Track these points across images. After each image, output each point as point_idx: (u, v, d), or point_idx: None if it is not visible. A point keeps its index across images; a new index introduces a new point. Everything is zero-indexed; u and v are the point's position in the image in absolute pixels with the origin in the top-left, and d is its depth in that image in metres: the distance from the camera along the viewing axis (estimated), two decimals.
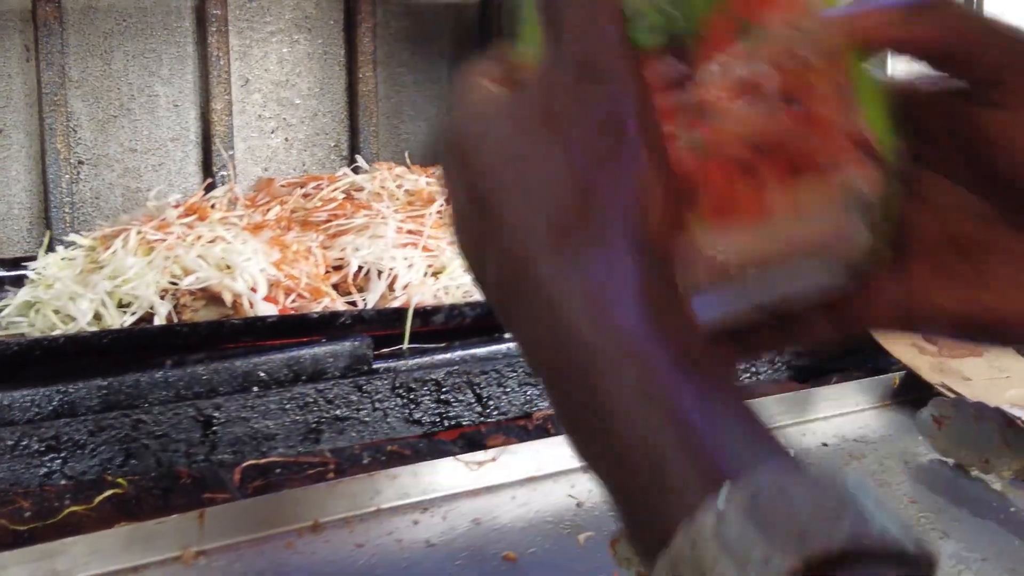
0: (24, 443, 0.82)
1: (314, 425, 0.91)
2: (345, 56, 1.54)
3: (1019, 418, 0.89)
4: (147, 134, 1.43)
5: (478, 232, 0.36)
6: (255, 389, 0.90)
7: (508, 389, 0.98)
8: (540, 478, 0.87)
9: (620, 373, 0.32)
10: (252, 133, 1.50)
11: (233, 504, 0.78)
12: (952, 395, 0.97)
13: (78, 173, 1.39)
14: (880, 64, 0.38)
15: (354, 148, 1.54)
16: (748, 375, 1.07)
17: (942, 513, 0.85)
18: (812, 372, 1.09)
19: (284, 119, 1.52)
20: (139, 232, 1.02)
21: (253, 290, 0.99)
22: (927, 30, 0.37)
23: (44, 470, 0.82)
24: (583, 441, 0.33)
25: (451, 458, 0.86)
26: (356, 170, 1.35)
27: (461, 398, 0.96)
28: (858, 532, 0.27)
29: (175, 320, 0.97)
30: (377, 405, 0.93)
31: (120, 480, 0.83)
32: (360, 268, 1.07)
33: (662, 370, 0.32)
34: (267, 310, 0.99)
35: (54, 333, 0.95)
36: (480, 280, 0.38)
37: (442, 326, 1.02)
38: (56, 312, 0.98)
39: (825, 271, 0.38)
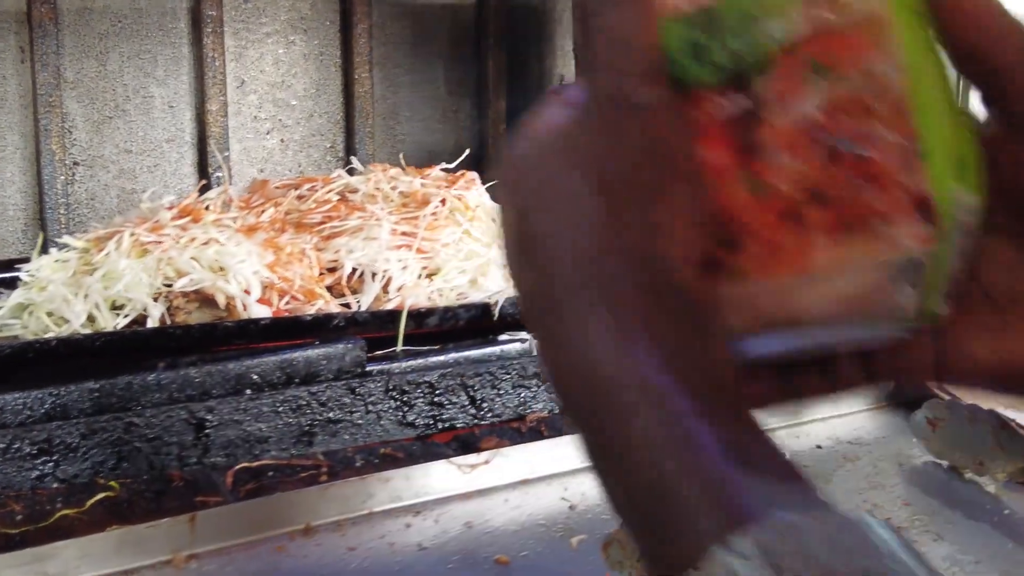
0: (16, 446, 0.82)
1: (307, 428, 0.91)
2: (341, 57, 1.54)
3: (1013, 420, 0.89)
4: (142, 135, 1.43)
5: (518, 262, 0.36)
6: (248, 392, 0.90)
7: (502, 391, 0.98)
8: (533, 481, 0.87)
9: (639, 412, 0.32)
10: (248, 134, 1.50)
11: (224, 508, 0.78)
12: (946, 397, 0.97)
13: (73, 174, 1.39)
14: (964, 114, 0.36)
15: (350, 149, 1.54)
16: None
17: (936, 515, 0.85)
18: None
19: (280, 120, 1.52)
20: (132, 234, 1.02)
21: (247, 292, 0.99)
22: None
23: (36, 473, 0.82)
24: (602, 472, 0.34)
25: (444, 461, 0.86)
26: (351, 172, 1.35)
27: (455, 400, 0.96)
28: (879, 574, 0.27)
29: (168, 322, 0.97)
30: (370, 408, 0.93)
31: (112, 483, 0.83)
32: (354, 270, 1.07)
33: (681, 409, 0.32)
34: (261, 312, 0.98)
35: (47, 336, 0.95)
36: (518, 299, 0.38)
37: (436, 328, 1.02)
38: (49, 314, 0.97)
39: (866, 331, 0.37)
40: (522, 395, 0.99)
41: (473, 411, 0.97)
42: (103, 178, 1.41)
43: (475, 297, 1.07)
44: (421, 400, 0.95)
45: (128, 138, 1.42)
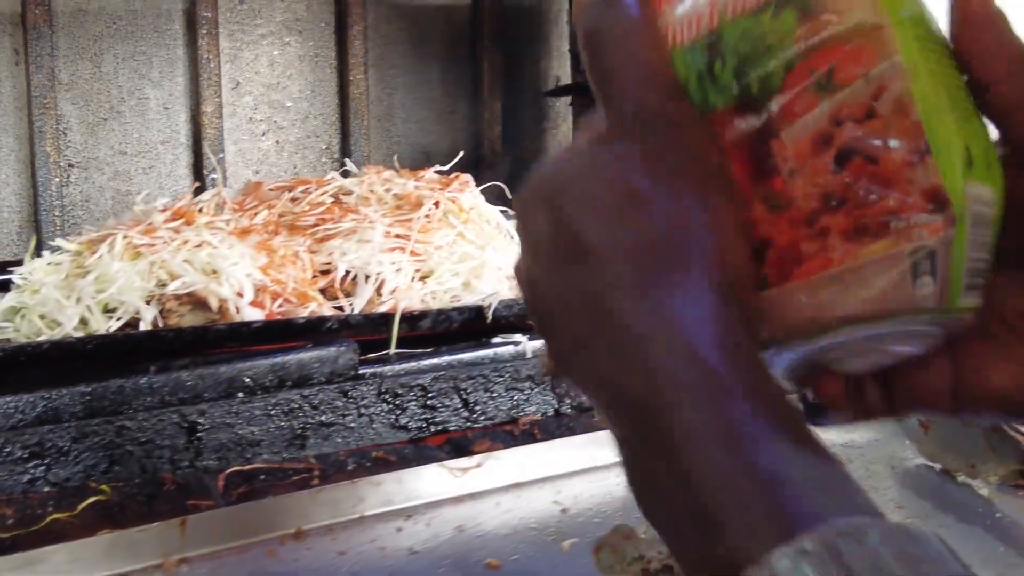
0: (7, 450, 0.81)
1: (299, 431, 0.91)
2: (336, 59, 1.54)
3: (1005, 424, 0.89)
4: (137, 137, 1.43)
5: (558, 271, 0.37)
6: (240, 395, 0.90)
7: (495, 394, 0.98)
8: (525, 484, 0.87)
9: (701, 411, 0.32)
10: (243, 136, 1.50)
11: (215, 512, 0.78)
12: None
13: (68, 176, 1.39)
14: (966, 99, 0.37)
15: (345, 151, 1.54)
16: None
17: (928, 518, 0.85)
18: None
19: (275, 122, 1.52)
20: (125, 237, 1.02)
21: (239, 295, 0.99)
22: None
23: (27, 477, 0.82)
24: (645, 475, 0.34)
25: (435, 464, 0.85)
26: (345, 174, 1.35)
27: (448, 403, 0.96)
28: None
29: (161, 325, 0.97)
30: (363, 411, 0.93)
31: (104, 487, 0.83)
32: (347, 272, 1.07)
33: (742, 411, 0.32)
34: (253, 315, 0.98)
35: (39, 339, 0.95)
36: (545, 315, 0.38)
37: (429, 331, 1.02)
38: (42, 317, 0.97)
39: (894, 331, 0.37)
40: (515, 398, 0.98)
41: (466, 414, 0.97)
42: (98, 180, 1.41)
43: (468, 300, 1.07)
44: (414, 403, 0.95)
45: (123, 140, 1.42)
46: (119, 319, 0.97)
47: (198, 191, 1.32)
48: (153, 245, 1.01)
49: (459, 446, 0.93)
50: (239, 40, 1.48)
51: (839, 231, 0.35)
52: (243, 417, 0.89)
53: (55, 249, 1.09)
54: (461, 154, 1.39)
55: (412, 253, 1.08)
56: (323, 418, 0.91)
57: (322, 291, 1.07)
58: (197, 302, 0.98)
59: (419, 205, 1.15)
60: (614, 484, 0.87)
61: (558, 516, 0.83)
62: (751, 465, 0.31)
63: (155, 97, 1.44)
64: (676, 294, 0.34)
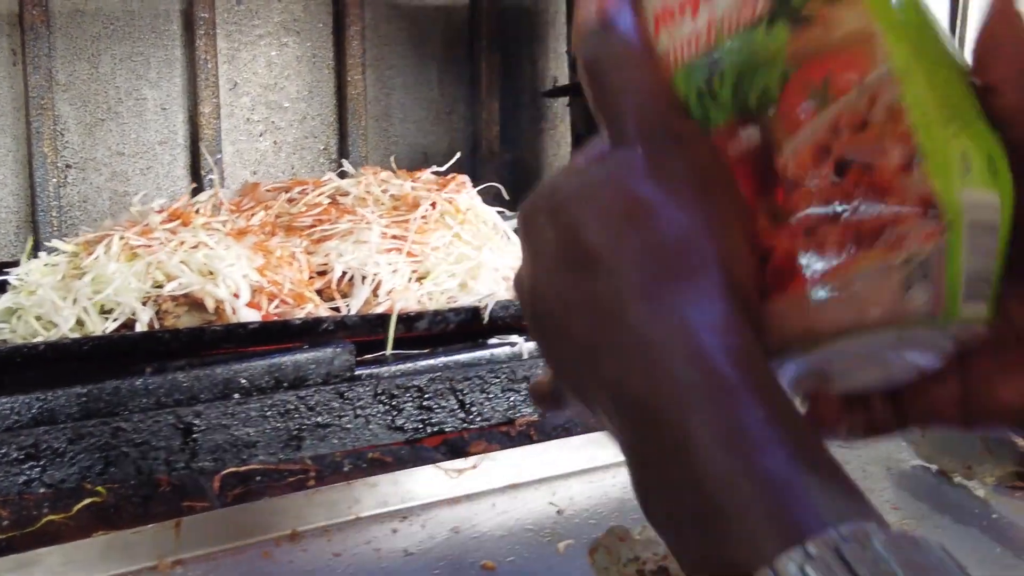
0: (3, 451, 0.81)
1: (295, 432, 0.91)
2: (334, 59, 1.54)
3: None
4: (135, 138, 1.43)
5: (565, 279, 0.37)
6: (236, 396, 0.90)
7: (491, 395, 0.98)
8: (521, 485, 0.87)
9: (709, 414, 0.32)
10: (240, 136, 1.50)
11: (210, 513, 0.78)
12: None
13: (65, 177, 1.39)
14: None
15: (343, 151, 1.54)
16: None
17: (924, 519, 0.85)
18: None
19: (273, 122, 1.52)
20: (122, 238, 1.02)
21: (236, 296, 0.99)
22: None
23: (23, 478, 0.82)
24: (651, 478, 0.34)
25: (431, 466, 0.85)
26: (342, 175, 1.35)
27: (444, 404, 0.96)
28: None
29: (157, 326, 0.97)
30: (359, 412, 0.93)
31: (99, 488, 0.83)
32: (344, 273, 1.07)
33: (750, 415, 0.32)
34: (250, 316, 0.98)
35: (35, 340, 0.95)
36: (551, 325, 0.38)
37: (426, 332, 1.02)
38: (38, 318, 0.97)
39: (896, 340, 0.37)
40: (511, 399, 0.98)
41: (462, 415, 0.97)
42: (95, 181, 1.41)
43: (465, 301, 1.07)
44: (410, 404, 0.95)
45: (120, 140, 1.42)
46: (115, 320, 0.97)
47: (196, 192, 1.32)
48: (150, 246, 1.01)
49: (455, 447, 0.93)
50: (237, 41, 1.48)
51: (835, 241, 0.35)
52: (239, 418, 0.89)
53: (52, 250, 1.09)
54: (458, 155, 1.39)
55: (409, 254, 1.08)
56: (319, 419, 0.91)
57: (319, 292, 1.06)
58: (193, 303, 0.98)
59: (416, 206, 1.14)
60: (610, 485, 0.87)
61: (554, 517, 0.83)
62: (758, 469, 0.31)
63: (153, 98, 1.43)
64: (685, 299, 0.34)
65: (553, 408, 0.43)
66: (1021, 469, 0.89)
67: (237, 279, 0.99)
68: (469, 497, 0.85)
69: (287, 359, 0.92)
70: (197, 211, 1.13)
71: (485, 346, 1.01)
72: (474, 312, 1.03)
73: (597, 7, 0.40)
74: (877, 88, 0.35)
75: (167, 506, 0.82)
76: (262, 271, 1.02)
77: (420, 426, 0.95)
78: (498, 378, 0.98)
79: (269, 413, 0.90)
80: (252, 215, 1.15)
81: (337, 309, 1.05)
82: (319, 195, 1.19)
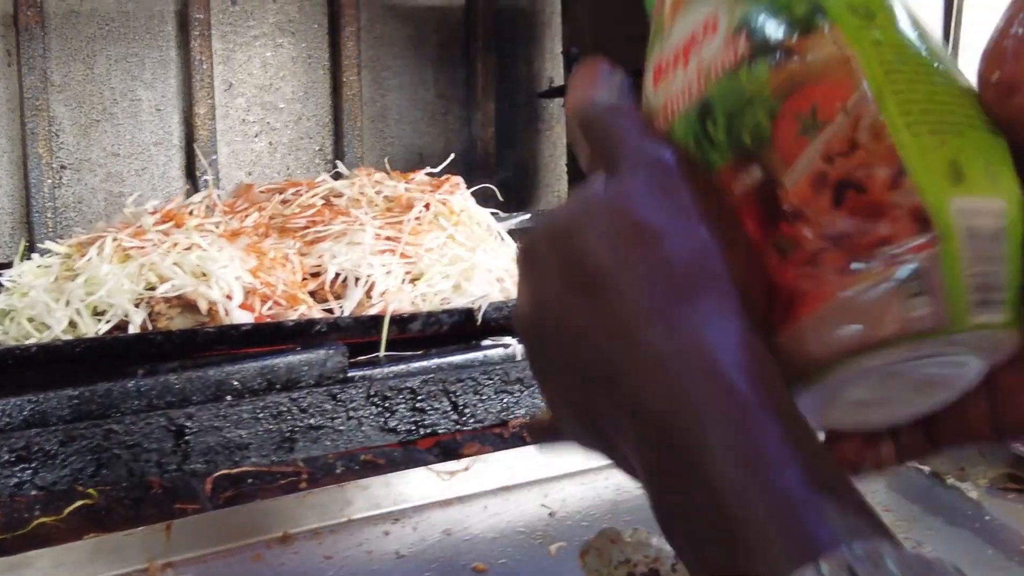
0: None
1: (288, 434, 0.90)
2: (329, 60, 1.54)
3: None
4: (130, 138, 1.43)
5: (574, 307, 0.37)
6: (228, 398, 0.90)
7: (484, 397, 0.98)
8: (513, 487, 0.87)
9: (727, 430, 0.32)
10: (236, 137, 1.50)
11: (201, 516, 0.78)
12: None
13: (60, 178, 1.39)
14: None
15: (338, 152, 1.54)
16: None
17: (917, 521, 0.85)
18: None
19: (268, 123, 1.52)
20: (115, 239, 1.02)
21: (229, 298, 0.99)
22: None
23: (14, 480, 0.82)
24: (670, 497, 0.34)
25: (423, 468, 0.85)
26: (336, 176, 1.35)
27: (437, 406, 0.96)
28: None
29: (150, 328, 0.97)
30: (352, 414, 0.93)
31: (91, 491, 0.83)
32: (337, 275, 1.07)
33: (767, 433, 0.32)
34: (243, 318, 0.98)
35: (27, 342, 0.95)
36: (558, 355, 0.38)
37: (419, 333, 1.02)
38: (31, 320, 0.97)
39: (909, 356, 0.36)
40: (504, 401, 0.98)
41: (455, 417, 0.97)
42: (90, 182, 1.41)
43: (458, 302, 1.07)
44: (403, 406, 0.95)
45: (115, 142, 1.42)
46: (108, 322, 0.97)
47: (191, 193, 1.32)
48: (143, 248, 1.01)
49: (448, 449, 0.93)
50: (232, 42, 1.48)
51: (835, 266, 0.36)
52: (231, 420, 0.89)
53: (44, 252, 1.09)
54: (452, 156, 1.39)
55: (402, 255, 1.08)
56: (312, 421, 0.91)
57: (312, 293, 1.06)
58: (186, 305, 0.98)
59: (409, 207, 1.14)
60: (602, 488, 0.87)
61: (545, 520, 0.83)
62: (773, 487, 0.31)
63: (148, 99, 1.43)
64: (699, 317, 0.34)
65: (554, 443, 0.43)
66: (1014, 471, 0.88)
67: (230, 281, 0.99)
68: (461, 499, 0.85)
69: (280, 361, 0.92)
70: (191, 212, 1.13)
71: (478, 348, 1.01)
72: (468, 314, 1.03)
73: (591, 80, 0.42)
74: (859, 109, 0.35)
75: (158, 508, 0.81)
76: (255, 273, 1.02)
77: (413, 428, 0.95)
78: (491, 380, 0.98)
79: (261, 415, 0.90)
80: (246, 216, 1.15)
81: (330, 311, 1.05)
82: (313, 196, 1.19)
